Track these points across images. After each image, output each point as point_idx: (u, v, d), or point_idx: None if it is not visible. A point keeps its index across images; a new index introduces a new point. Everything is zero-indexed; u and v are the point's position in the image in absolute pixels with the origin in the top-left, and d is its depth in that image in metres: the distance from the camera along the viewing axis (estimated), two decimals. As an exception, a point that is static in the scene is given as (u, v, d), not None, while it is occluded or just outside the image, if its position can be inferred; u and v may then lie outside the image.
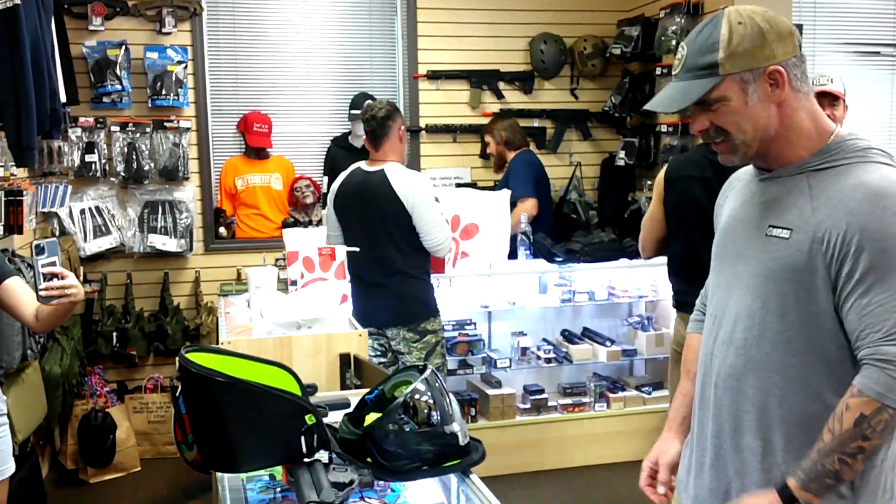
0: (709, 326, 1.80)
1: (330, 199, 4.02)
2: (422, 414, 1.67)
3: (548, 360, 4.78)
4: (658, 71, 5.25)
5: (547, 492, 4.43)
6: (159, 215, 5.29)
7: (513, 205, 4.80)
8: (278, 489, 1.80)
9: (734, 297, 1.71)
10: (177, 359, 1.66)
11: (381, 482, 1.81)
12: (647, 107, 1.75)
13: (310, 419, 1.65)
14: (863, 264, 1.54)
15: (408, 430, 1.64)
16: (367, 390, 1.84)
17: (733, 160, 1.70)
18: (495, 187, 5.19)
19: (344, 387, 3.10)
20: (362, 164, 3.94)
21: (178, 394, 1.65)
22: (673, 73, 1.70)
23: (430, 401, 1.67)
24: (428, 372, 1.71)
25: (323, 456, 1.71)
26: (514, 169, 5.15)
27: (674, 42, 5.06)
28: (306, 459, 1.67)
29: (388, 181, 3.78)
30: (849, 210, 1.55)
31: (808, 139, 1.65)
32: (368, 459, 1.69)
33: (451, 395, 1.73)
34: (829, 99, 3.69)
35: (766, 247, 1.65)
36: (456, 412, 1.71)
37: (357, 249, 3.55)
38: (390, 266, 3.82)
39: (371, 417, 1.76)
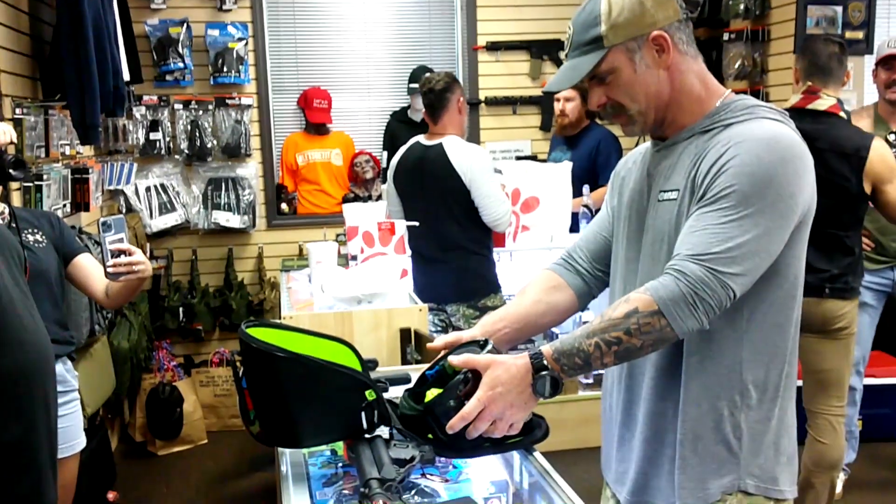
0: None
1: (389, 174, 4.00)
2: None
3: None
4: (726, 37, 5.10)
5: (569, 471, 4.36)
6: (222, 192, 5.35)
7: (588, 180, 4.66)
8: (339, 464, 1.79)
9: (640, 268, 1.70)
10: (238, 334, 1.65)
11: (443, 459, 1.78)
12: (545, 88, 1.77)
13: (370, 395, 1.62)
14: (711, 191, 1.53)
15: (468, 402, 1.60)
16: (428, 365, 1.80)
17: (634, 131, 1.69)
18: (558, 156, 4.93)
19: (404, 362, 3.09)
20: (421, 139, 3.90)
21: (240, 373, 1.64)
22: (563, 52, 1.70)
23: None
24: (489, 346, 1.67)
25: (384, 432, 1.70)
26: (605, 147, 4.86)
27: (742, 6, 4.90)
28: (367, 435, 1.65)
29: (447, 155, 3.74)
30: (720, 152, 1.54)
31: (698, 103, 1.64)
32: (430, 436, 1.66)
33: None
34: None
35: (659, 212, 1.65)
36: None
37: (416, 224, 3.53)
38: (450, 241, 3.79)
39: (432, 393, 1.73)
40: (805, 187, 1.55)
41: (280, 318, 3.32)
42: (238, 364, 1.62)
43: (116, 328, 4.51)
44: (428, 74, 3.95)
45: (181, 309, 5.27)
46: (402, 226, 3.35)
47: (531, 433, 1.71)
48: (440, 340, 1.78)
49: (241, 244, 5.53)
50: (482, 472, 1.82)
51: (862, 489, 4.00)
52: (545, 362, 1.55)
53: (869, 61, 4.77)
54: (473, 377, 1.58)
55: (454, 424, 1.55)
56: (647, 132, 1.71)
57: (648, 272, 1.66)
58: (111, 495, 4.03)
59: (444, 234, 3.78)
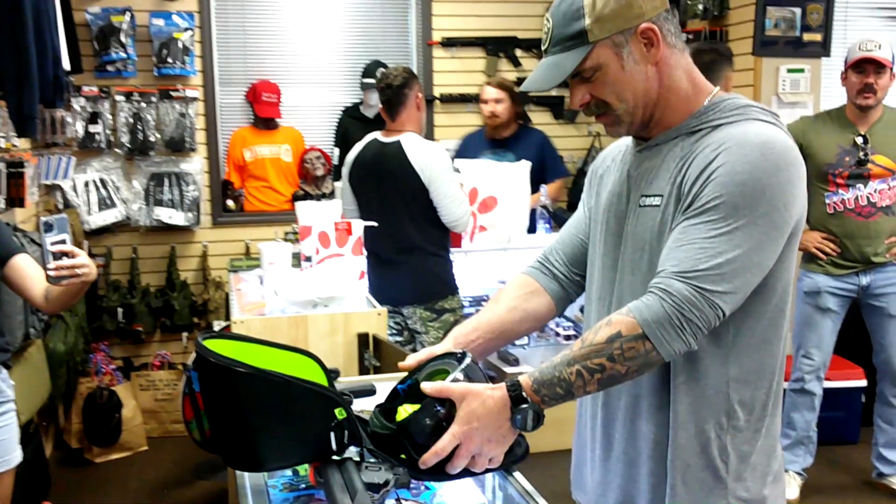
0: (597, 310, 1.66)
1: (345, 171, 3.85)
2: None
3: (567, 338, 4.63)
4: (684, 37, 5.04)
5: (545, 472, 4.28)
6: (165, 188, 5.14)
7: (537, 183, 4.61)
8: (302, 485, 1.66)
9: (619, 277, 1.59)
10: (186, 343, 1.50)
11: (416, 481, 1.66)
12: (522, 87, 1.60)
13: (340, 413, 1.49)
14: (699, 199, 1.42)
15: (447, 425, 1.48)
16: (399, 379, 1.67)
17: (620, 132, 1.57)
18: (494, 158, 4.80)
19: (362, 368, 2.96)
20: (378, 135, 3.77)
21: (189, 381, 1.49)
22: (542, 48, 1.57)
23: None
24: (468, 360, 1.54)
25: (353, 453, 1.57)
26: (547, 145, 4.93)
27: (700, 6, 4.87)
28: (336, 457, 1.52)
29: (405, 153, 3.62)
30: (709, 158, 1.44)
31: (685, 101, 1.53)
32: (402, 456, 1.53)
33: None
34: (874, 67, 3.51)
35: (640, 219, 1.54)
36: None
37: (375, 224, 3.40)
38: (407, 242, 3.66)
39: (405, 410, 1.60)
40: (798, 196, 1.45)
41: (228, 320, 3.16)
42: (185, 370, 1.47)
43: (52, 330, 4.29)
44: (385, 69, 3.82)
45: (120, 310, 5.04)
46: (359, 226, 3.21)
47: (510, 453, 1.59)
48: (412, 358, 1.64)
49: (184, 242, 5.32)
50: (457, 495, 1.71)
51: (820, 493, 3.98)
52: (524, 394, 1.43)
53: (826, 64, 4.78)
54: (449, 403, 1.46)
55: (427, 460, 1.43)
56: (633, 133, 1.59)
57: (629, 283, 1.56)
58: (45, 506, 3.82)
59: (402, 234, 3.65)
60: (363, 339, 2.93)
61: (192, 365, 1.45)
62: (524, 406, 1.42)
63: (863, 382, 4.47)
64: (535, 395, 1.43)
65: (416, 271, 3.68)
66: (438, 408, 1.46)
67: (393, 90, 3.66)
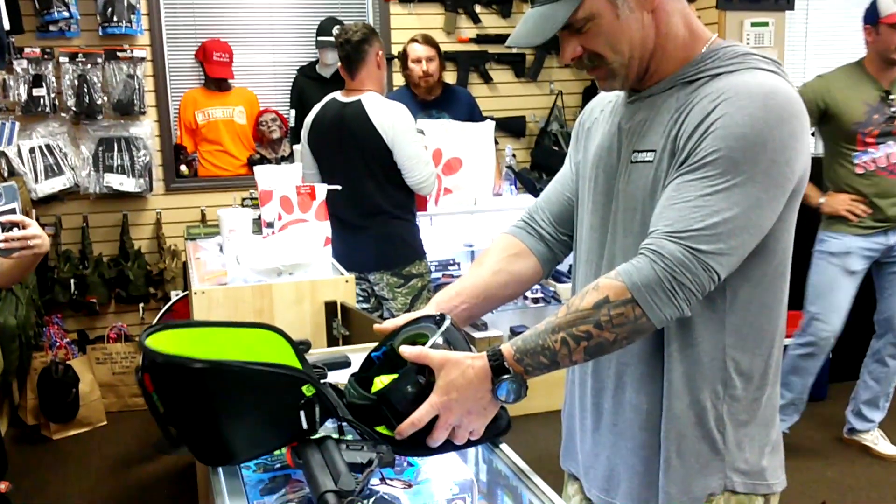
0: (584, 273, 1.57)
1: (304, 133, 3.71)
2: None
3: (535, 301, 4.58)
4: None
5: (537, 435, 4.24)
6: (115, 153, 4.94)
7: None
8: (277, 464, 1.56)
9: (609, 238, 1.50)
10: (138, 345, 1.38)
11: (398, 457, 1.57)
12: (508, 42, 1.48)
13: (308, 390, 1.38)
14: (695, 154, 1.33)
15: (429, 392, 1.38)
16: (374, 346, 1.57)
17: (614, 86, 1.46)
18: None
19: (330, 337, 2.86)
20: (338, 95, 3.63)
21: (138, 375, 1.37)
22: None
23: None
24: (447, 324, 1.44)
25: (331, 430, 1.47)
26: (475, 104, 4.78)
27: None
28: (314, 436, 1.42)
29: (366, 113, 3.48)
30: (707, 110, 1.34)
31: (682, 49, 1.43)
32: (382, 428, 1.44)
33: (475, 350, 1.48)
34: None
35: (632, 176, 1.44)
36: None
37: (338, 188, 3.28)
38: (371, 206, 3.55)
39: (380, 381, 1.51)
40: (802, 151, 1.36)
41: (186, 290, 3.03)
42: (139, 372, 1.35)
43: (1, 303, 4.11)
44: (344, 24, 3.66)
45: (73, 281, 4.88)
46: (322, 189, 3.08)
47: (493, 425, 1.50)
48: (389, 323, 1.54)
49: (136, 209, 5.14)
50: (443, 470, 1.62)
51: (792, 451, 3.98)
52: (506, 364, 1.35)
53: (790, 17, 4.72)
54: (428, 370, 1.36)
55: (403, 430, 1.35)
56: (629, 86, 1.48)
57: (620, 244, 1.47)
58: (2, 485, 3.68)
59: (365, 198, 3.54)
60: (331, 307, 2.83)
61: (140, 368, 1.33)
62: (506, 377, 1.34)
63: (830, 338, 4.47)
64: (518, 364, 1.35)
65: (382, 236, 3.57)
66: (419, 376, 1.37)
67: (352, 46, 3.51)
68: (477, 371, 1.34)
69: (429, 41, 4.58)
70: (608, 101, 1.59)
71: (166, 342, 1.33)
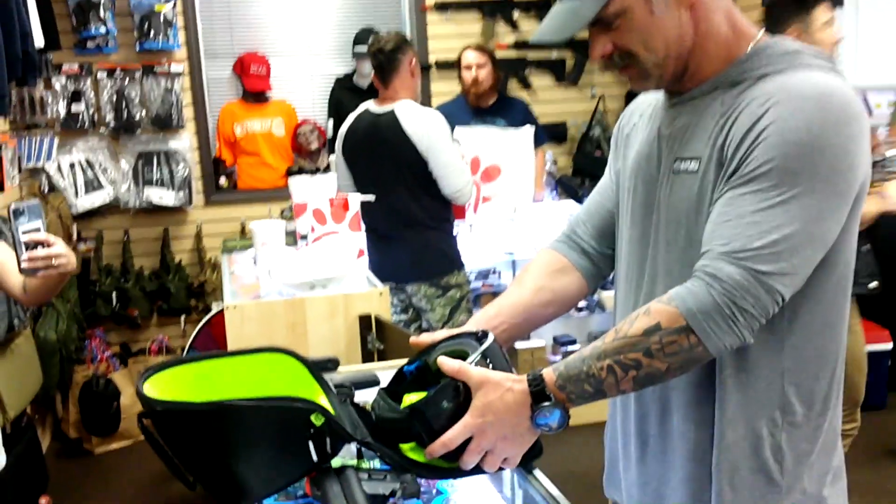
0: (624, 290, 1.47)
1: (338, 145, 3.66)
2: None
3: (578, 309, 4.47)
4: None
5: (583, 448, 4.13)
6: (154, 167, 4.94)
7: None
8: (300, 492, 1.49)
9: (651, 253, 1.39)
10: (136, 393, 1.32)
11: (424, 481, 1.49)
12: (533, 39, 1.40)
13: (317, 419, 1.30)
14: (747, 164, 1.22)
15: (465, 412, 1.30)
16: (406, 361, 1.48)
17: (647, 86, 1.38)
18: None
19: (365, 352, 2.79)
20: (371, 105, 3.57)
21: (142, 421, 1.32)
22: None
23: None
24: (489, 341, 1.35)
25: (351, 455, 1.40)
26: (530, 112, 4.73)
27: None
28: (333, 465, 1.35)
29: (399, 122, 3.42)
30: (757, 115, 1.23)
31: (725, 47, 1.32)
32: (410, 448, 1.35)
33: (516, 372, 1.39)
34: None
35: (674, 187, 1.34)
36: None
37: (372, 198, 3.21)
38: (407, 216, 3.48)
39: (409, 398, 1.42)
40: (863, 156, 1.24)
41: (223, 306, 3.00)
42: (139, 422, 1.29)
43: (42, 318, 4.13)
44: (377, 34, 3.60)
45: (114, 294, 4.88)
46: (355, 200, 3.03)
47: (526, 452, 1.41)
48: (426, 336, 1.45)
49: (177, 223, 5.14)
50: (472, 500, 1.54)
51: (847, 462, 3.82)
52: (547, 390, 1.26)
53: (840, 14, 4.55)
54: (465, 387, 1.28)
55: (434, 450, 1.26)
56: (663, 86, 1.38)
57: (663, 260, 1.37)
58: (44, 500, 3.68)
59: (400, 208, 3.47)
60: (365, 321, 2.76)
61: (141, 415, 1.27)
62: (546, 404, 1.25)
63: (889, 346, 4.31)
64: (560, 391, 1.26)
65: (418, 246, 3.50)
66: (455, 392, 1.29)
67: (385, 55, 3.46)
68: (516, 395, 1.26)
69: (482, 49, 4.57)
70: (648, 105, 1.49)
71: (166, 384, 1.27)
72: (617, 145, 1.56)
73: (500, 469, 1.35)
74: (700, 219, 1.29)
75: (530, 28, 5.39)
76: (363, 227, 3.19)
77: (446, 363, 1.29)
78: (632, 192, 1.45)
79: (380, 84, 3.54)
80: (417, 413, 1.29)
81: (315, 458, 1.29)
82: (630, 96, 5.45)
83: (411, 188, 3.47)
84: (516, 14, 5.40)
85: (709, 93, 1.33)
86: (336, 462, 1.37)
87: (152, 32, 4.82)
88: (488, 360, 1.32)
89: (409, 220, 3.48)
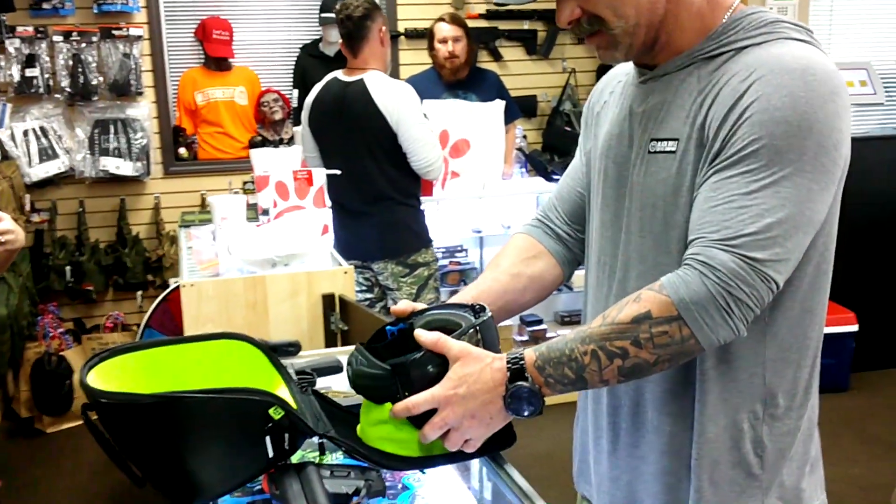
0: (596, 276, 1.39)
1: (304, 114, 3.53)
2: None
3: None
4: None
5: (552, 429, 4.08)
6: (111, 135, 4.76)
7: None
8: (257, 487, 1.39)
9: (622, 238, 1.32)
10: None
11: (390, 475, 1.40)
12: (501, 0, 1.32)
13: (275, 412, 1.20)
14: (731, 144, 1.16)
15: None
16: (390, 321, 1.37)
17: (615, 56, 1.28)
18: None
19: (328, 332, 2.69)
20: (339, 74, 3.44)
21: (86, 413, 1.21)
22: None
23: None
24: (486, 316, 1.25)
25: (312, 446, 1.30)
26: (503, 86, 4.59)
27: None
28: (293, 459, 1.25)
29: (369, 93, 3.29)
30: (738, 92, 1.16)
31: (699, 18, 1.25)
32: (377, 439, 1.25)
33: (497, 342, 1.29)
34: None
35: (650, 168, 1.26)
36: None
37: (338, 172, 3.09)
38: (375, 191, 3.36)
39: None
40: (846, 131, 1.18)
41: (181, 278, 2.87)
42: (85, 412, 1.19)
43: (-8, 293, 3.97)
44: (345, 0, 3.46)
45: (68, 268, 4.71)
46: (321, 175, 2.90)
47: (496, 435, 1.31)
48: (407, 304, 1.34)
49: (134, 194, 4.97)
50: (439, 495, 1.45)
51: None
52: (526, 372, 1.17)
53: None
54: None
55: (397, 410, 1.18)
56: (632, 57, 1.29)
57: (636, 245, 1.29)
58: (-8, 482, 3.56)
59: (368, 183, 3.35)
60: (329, 300, 2.65)
61: (85, 406, 1.17)
62: (521, 384, 1.17)
63: (854, 327, 4.29)
64: (538, 373, 1.18)
65: (386, 223, 3.39)
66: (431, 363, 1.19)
67: (353, 22, 3.32)
68: (494, 372, 1.18)
69: (456, 20, 4.37)
70: (617, 82, 1.41)
71: (112, 374, 1.17)
72: (587, 124, 1.48)
73: (464, 457, 1.27)
74: (678, 202, 1.22)
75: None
76: (328, 202, 3.07)
77: (423, 335, 1.20)
78: (602, 174, 1.37)
79: (348, 52, 3.40)
80: (402, 369, 1.20)
81: (272, 454, 1.19)
82: (602, 70, 5.38)
83: (379, 161, 3.35)
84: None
85: (683, 67, 1.25)
86: (296, 457, 1.28)
87: (110, -6, 4.63)
88: (479, 336, 1.23)
89: (378, 196, 3.37)
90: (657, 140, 1.25)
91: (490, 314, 1.25)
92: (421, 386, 1.19)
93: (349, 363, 1.27)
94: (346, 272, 2.69)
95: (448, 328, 1.25)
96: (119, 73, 4.73)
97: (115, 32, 4.70)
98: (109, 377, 1.19)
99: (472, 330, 1.22)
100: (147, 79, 4.88)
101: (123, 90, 4.75)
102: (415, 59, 5.19)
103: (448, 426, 1.19)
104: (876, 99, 4.79)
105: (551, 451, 3.34)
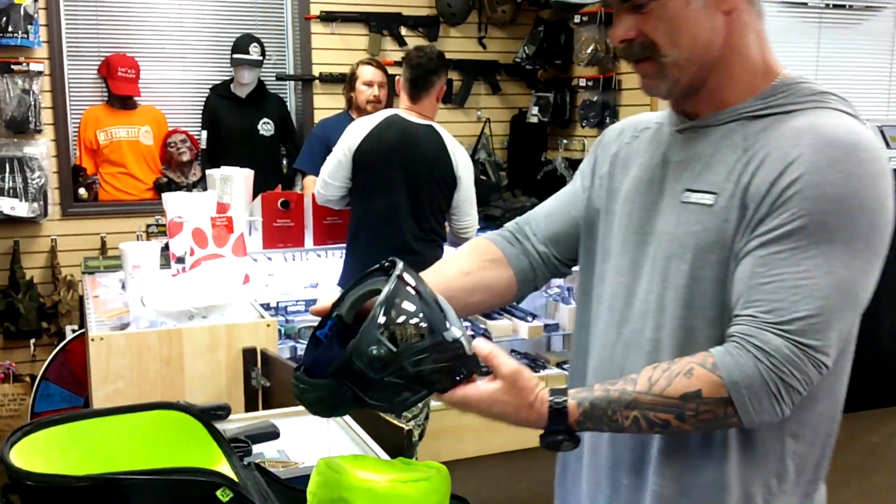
0: (605, 321, 1.35)
1: (348, 143, 3.41)
2: (409, 328, 1.10)
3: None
4: (577, 20, 4.82)
5: (467, 483, 4.00)
6: (7, 174, 4.52)
7: None
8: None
9: (641, 286, 1.28)
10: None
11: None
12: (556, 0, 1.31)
13: (223, 494, 1.10)
14: (780, 218, 1.14)
15: (397, 350, 1.09)
16: (317, 325, 1.26)
17: (658, 88, 1.26)
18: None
19: (248, 389, 2.55)
20: (401, 112, 3.43)
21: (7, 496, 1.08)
22: None
23: (414, 306, 1.11)
24: (399, 268, 1.13)
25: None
26: None
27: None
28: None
29: (443, 140, 3.39)
30: (788, 158, 1.15)
31: (751, 73, 1.24)
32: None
33: (437, 294, 1.17)
34: None
35: (681, 218, 1.24)
36: (450, 312, 1.15)
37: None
38: (430, 231, 3.42)
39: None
40: (892, 213, 1.18)
41: (82, 327, 2.69)
42: (6, 495, 1.06)
43: None
44: (421, 46, 3.52)
45: (-45, 314, 4.41)
46: (241, 222, 2.78)
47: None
48: (326, 300, 1.24)
49: (29, 236, 4.71)
50: None
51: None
52: (567, 421, 1.16)
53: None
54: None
55: (454, 400, 1.14)
56: (676, 95, 1.26)
57: (657, 295, 1.24)
58: None
59: (426, 222, 3.41)
60: (250, 354, 2.52)
61: (5, 489, 1.05)
62: (560, 438, 1.17)
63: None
64: (577, 426, 1.16)
65: (432, 260, 3.36)
66: (383, 332, 1.08)
67: (422, 72, 3.39)
68: (530, 413, 1.16)
69: (380, 65, 4.33)
70: (644, 127, 1.38)
71: (38, 451, 1.05)
72: (598, 161, 1.44)
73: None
74: (709, 258, 1.19)
75: (416, 45, 5.25)
76: (248, 252, 2.94)
77: (480, 345, 1.15)
78: (623, 219, 1.33)
79: (408, 97, 3.45)
80: (345, 371, 1.10)
81: None
82: (515, 121, 5.43)
83: (439, 205, 3.42)
84: (404, 30, 5.28)
85: (727, 122, 1.23)
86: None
87: (10, 27, 4.39)
88: (406, 288, 1.12)
89: (433, 236, 3.45)
90: (692, 191, 1.23)
91: (401, 266, 1.14)
92: (375, 371, 1.08)
93: (294, 395, 1.18)
94: (268, 325, 2.57)
95: (372, 298, 1.16)
96: (17, 109, 4.49)
97: (15, 67, 4.47)
98: (35, 454, 1.09)
99: (395, 284, 1.11)
100: (47, 116, 4.65)
101: (21, 127, 4.51)
102: (330, 104, 5.12)
103: (463, 409, 1.16)
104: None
105: (507, 497, 3.27)
